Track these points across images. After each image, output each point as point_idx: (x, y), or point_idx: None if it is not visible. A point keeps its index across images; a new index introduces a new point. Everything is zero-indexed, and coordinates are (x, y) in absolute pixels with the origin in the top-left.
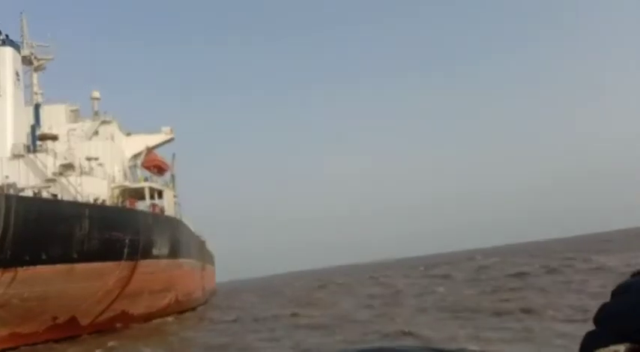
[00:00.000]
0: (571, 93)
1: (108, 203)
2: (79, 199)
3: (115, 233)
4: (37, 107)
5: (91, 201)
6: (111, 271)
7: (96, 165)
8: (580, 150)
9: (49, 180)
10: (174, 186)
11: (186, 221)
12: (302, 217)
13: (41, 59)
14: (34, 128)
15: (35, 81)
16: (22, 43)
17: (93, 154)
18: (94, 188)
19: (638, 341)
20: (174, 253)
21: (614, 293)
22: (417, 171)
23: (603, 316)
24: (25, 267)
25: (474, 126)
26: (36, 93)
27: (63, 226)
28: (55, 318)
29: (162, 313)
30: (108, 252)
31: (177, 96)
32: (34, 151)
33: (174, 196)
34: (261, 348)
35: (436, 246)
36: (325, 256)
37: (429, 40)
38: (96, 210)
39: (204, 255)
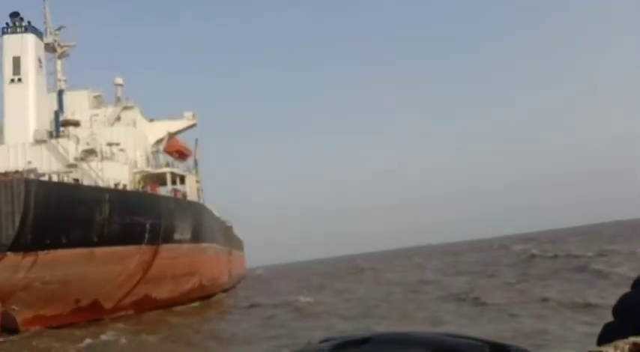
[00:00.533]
0: None
1: (129, 188)
2: (100, 184)
3: (135, 217)
4: (60, 93)
5: (112, 185)
6: (132, 255)
7: (117, 150)
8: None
9: (70, 166)
10: (197, 171)
11: (210, 206)
12: (348, 205)
13: (64, 46)
14: (57, 114)
15: (59, 68)
16: (45, 30)
17: (115, 140)
18: (115, 173)
19: None
20: (197, 238)
21: (634, 284)
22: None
23: (622, 307)
24: (45, 251)
25: (510, 116)
26: (59, 80)
27: (83, 210)
28: (77, 301)
29: (186, 297)
30: (128, 236)
31: (214, 80)
32: (57, 137)
33: (197, 181)
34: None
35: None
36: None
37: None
38: (116, 195)
39: (230, 241)
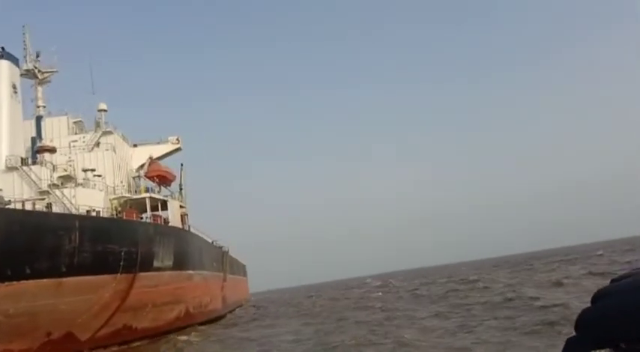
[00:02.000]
0: None
1: (104, 214)
2: (73, 211)
3: (109, 245)
4: (38, 119)
5: (85, 212)
6: (105, 284)
7: (92, 176)
8: None
9: (42, 193)
10: (182, 196)
11: (197, 231)
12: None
13: (45, 72)
14: (34, 140)
15: (40, 94)
16: (25, 56)
17: (93, 165)
18: (89, 199)
19: (618, 347)
20: (180, 264)
21: (593, 299)
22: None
23: (583, 322)
24: (6, 283)
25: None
26: (38, 106)
27: (49, 239)
28: (49, 334)
29: (172, 327)
30: (101, 264)
31: (204, 103)
32: (34, 163)
33: (182, 207)
34: None
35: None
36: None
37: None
38: (87, 222)
39: (225, 266)
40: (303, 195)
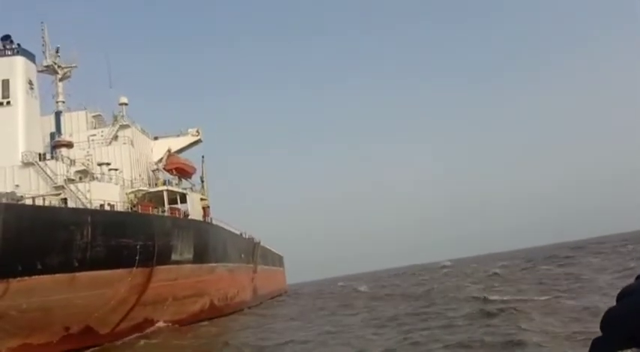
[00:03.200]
0: None
1: (120, 208)
2: (88, 206)
3: (123, 239)
4: (57, 115)
5: (99, 206)
6: (121, 279)
7: (107, 170)
8: None
9: (57, 188)
10: (204, 188)
11: (221, 223)
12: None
13: (65, 68)
14: (53, 135)
15: (60, 90)
16: (44, 52)
17: (111, 159)
18: (104, 193)
19: None
20: (201, 257)
21: (618, 298)
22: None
23: (608, 321)
24: (18, 278)
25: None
26: (57, 102)
27: (60, 234)
28: (67, 328)
29: (196, 319)
30: (116, 259)
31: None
32: (53, 158)
33: (204, 199)
34: None
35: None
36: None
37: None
38: (99, 216)
39: (256, 257)
40: (350, 183)
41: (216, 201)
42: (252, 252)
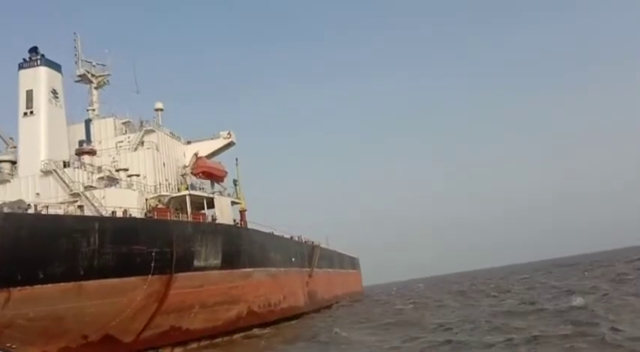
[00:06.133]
0: None
1: (136, 215)
2: (103, 213)
3: (135, 246)
4: (87, 122)
5: (114, 213)
6: (135, 287)
7: (126, 176)
8: None
9: (74, 195)
10: (237, 192)
11: (261, 227)
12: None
13: (99, 76)
14: (82, 143)
15: (95, 98)
16: (77, 62)
17: (135, 165)
18: (120, 200)
19: None
20: (231, 262)
21: None
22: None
23: None
24: (19, 288)
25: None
26: (88, 110)
27: (63, 242)
28: (85, 337)
29: (234, 327)
30: (127, 266)
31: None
32: (71, 166)
33: (237, 202)
34: None
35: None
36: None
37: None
38: (108, 223)
39: (314, 260)
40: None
41: (277, 206)
42: (309, 254)
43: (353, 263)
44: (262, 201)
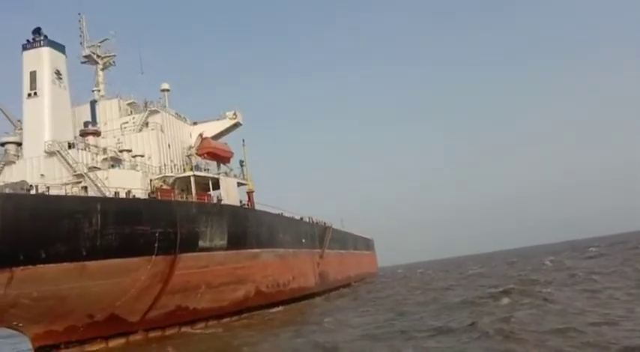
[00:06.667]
0: None
1: (140, 195)
2: (107, 193)
3: (138, 227)
4: (92, 104)
5: (117, 194)
6: (138, 267)
7: (131, 156)
8: None
9: (78, 176)
10: (244, 173)
11: (269, 208)
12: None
13: (105, 57)
14: (87, 124)
15: (101, 79)
16: (82, 43)
17: (140, 146)
18: (123, 181)
19: None
20: (238, 243)
21: None
22: None
23: None
24: (21, 267)
25: None
26: (93, 90)
27: (65, 223)
28: (91, 316)
29: (241, 307)
30: (130, 247)
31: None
32: (75, 148)
33: (244, 183)
34: None
35: None
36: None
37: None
38: (111, 204)
39: (325, 241)
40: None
41: (288, 187)
42: (320, 236)
43: (367, 244)
44: (287, 185)
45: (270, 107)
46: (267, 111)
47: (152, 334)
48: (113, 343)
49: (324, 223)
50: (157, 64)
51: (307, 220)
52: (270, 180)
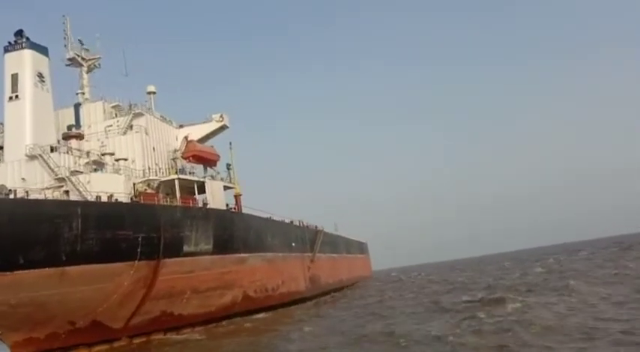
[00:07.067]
0: None
1: (124, 199)
2: (88, 197)
3: (121, 232)
4: (76, 106)
5: (99, 198)
6: (121, 272)
7: (112, 160)
8: None
9: (59, 180)
10: (231, 176)
11: (257, 212)
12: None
13: (89, 59)
14: (71, 128)
15: (85, 81)
16: (66, 45)
17: (124, 149)
18: (105, 184)
19: None
20: (224, 248)
21: None
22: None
23: None
24: None
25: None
26: (77, 93)
27: (43, 227)
28: (72, 322)
29: (229, 312)
30: (112, 252)
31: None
32: (56, 151)
33: (230, 187)
34: None
35: None
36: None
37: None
38: (92, 208)
39: (316, 245)
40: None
41: (283, 190)
42: (310, 239)
43: (361, 248)
44: (278, 189)
45: (270, 107)
46: (267, 111)
47: (136, 340)
48: (96, 350)
49: (316, 227)
50: (156, 65)
51: (298, 224)
52: (271, 180)
